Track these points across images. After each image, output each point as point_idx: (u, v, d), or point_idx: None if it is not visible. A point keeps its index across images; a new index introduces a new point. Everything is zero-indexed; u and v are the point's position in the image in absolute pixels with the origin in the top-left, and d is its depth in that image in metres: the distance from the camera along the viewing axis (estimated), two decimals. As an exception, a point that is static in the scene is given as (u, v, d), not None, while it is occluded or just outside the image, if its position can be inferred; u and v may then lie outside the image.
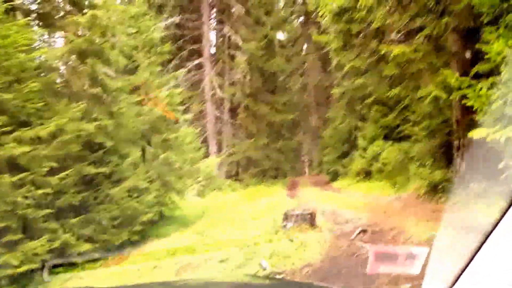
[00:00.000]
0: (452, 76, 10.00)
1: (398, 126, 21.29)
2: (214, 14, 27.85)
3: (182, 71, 24.57)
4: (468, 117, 11.94)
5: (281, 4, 42.09)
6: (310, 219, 9.49)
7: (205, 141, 25.63)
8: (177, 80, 16.68)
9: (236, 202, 16.50)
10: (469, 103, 10.85)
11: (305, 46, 42.16)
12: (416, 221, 9.59)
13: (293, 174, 36.81)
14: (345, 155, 24.87)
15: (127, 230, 10.74)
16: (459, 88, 11.65)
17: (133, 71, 13.94)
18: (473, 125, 12.58)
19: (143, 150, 12.91)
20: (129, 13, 14.28)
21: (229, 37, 25.62)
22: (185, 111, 25.34)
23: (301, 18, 41.67)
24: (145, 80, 13.53)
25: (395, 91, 9.99)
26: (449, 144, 13.92)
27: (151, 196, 11.67)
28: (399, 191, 15.11)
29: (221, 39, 27.47)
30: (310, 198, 17.38)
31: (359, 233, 8.97)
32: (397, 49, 8.85)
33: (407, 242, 8.07)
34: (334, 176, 25.46)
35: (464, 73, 12.06)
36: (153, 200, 11.78)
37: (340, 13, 11.05)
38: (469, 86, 9.25)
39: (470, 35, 12.20)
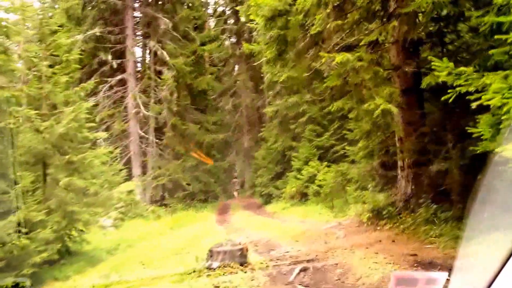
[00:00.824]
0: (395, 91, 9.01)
1: (333, 146, 20.43)
2: (140, 28, 25.93)
3: (101, 85, 22.38)
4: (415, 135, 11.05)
5: (212, 22, 41.13)
6: (240, 256, 7.85)
7: (128, 162, 23.42)
8: (87, 92, 14.55)
9: (158, 232, 14.55)
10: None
11: (237, 67, 41.01)
12: (363, 254, 8.26)
13: (225, 197, 35.28)
14: (279, 176, 23.62)
15: (13, 275, 8.55)
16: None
17: (35, 81, 11.80)
18: (419, 143, 11.76)
19: (43, 175, 10.73)
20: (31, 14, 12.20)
21: (155, 52, 23.75)
22: (106, 130, 23.20)
23: (233, 39, 40.43)
24: (47, 93, 11.41)
25: (338, 103, 8.71)
26: (393, 164, 12.98)
27: (48, 230, 9.52)
28: (338, 216, 13.92)
29: (147, 54, 25.56)
30: (241, 225, 15.78)
31: (299, 272, 7.47)
32: (339, 57, 7.62)
33: (357, 284, 6.67)
34: (268, 199, 24.08)
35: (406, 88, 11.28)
36: (51, 235, 9.62)
37: (273, 17, 9.75)
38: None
39: (413, 48, 11.41)
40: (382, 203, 11.74)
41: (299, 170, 20.12)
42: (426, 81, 8.40)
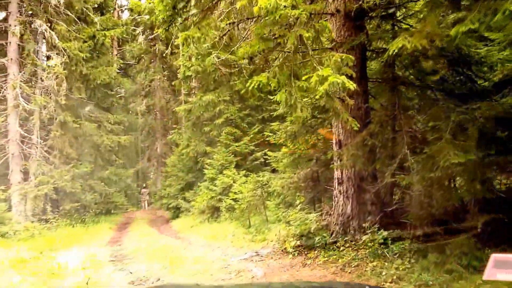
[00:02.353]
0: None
1: (253, 152, 17.60)
2: (26, 4, 21.46)
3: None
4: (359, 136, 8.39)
5: (125, 13, 36.98)
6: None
7: (6, 167, 18.96)
8: None
9: (13, 262, 10.62)
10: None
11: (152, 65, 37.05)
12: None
13: (135, 208, 31.46)
14: (190, 186, 20.31)
15: None
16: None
17: None
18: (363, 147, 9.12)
19: None
20: None
21: (43, 33, 19.54)
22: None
23: (149, 35, 36.37)
24: None
25: (260, 78, 5.67)
26: (326, 175, 10.25)
27: None
28: (256, 240, 10.92)
29: (33, 35, 21.18)
30: (134, 249, 12.30)
31: None
32: (264, 1, 4.69)
33: None
34: (175, 213, 20.68)
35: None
36: None
37: None
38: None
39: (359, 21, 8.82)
40: (312, 226, 8.92)
41: (212, 180, 17.00)
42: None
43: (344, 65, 5.61)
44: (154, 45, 35.31)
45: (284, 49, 5.62)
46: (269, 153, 13.14)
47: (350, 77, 5.56)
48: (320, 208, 9.95)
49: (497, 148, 6.44)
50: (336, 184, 8.90)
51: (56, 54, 18.80)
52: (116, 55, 32.36)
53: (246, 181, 14.11)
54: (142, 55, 36.17)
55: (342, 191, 8.71)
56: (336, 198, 8.93)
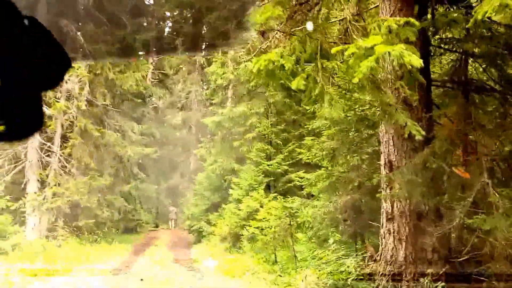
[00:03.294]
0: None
1: (286, 172, 15.47)
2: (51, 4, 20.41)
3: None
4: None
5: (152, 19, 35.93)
6: None
7: (23, 175, 17.65)
8: None
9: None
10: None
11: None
12: None
13: (165, 226, 29.98)
14: (215, 208, 18.27)
15: None
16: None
17: None
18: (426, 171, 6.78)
19: None
20: None
21: (68, 33, 18.36)
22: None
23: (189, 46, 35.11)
24: None
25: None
26: (372, 206, 7.95)
27: None
28: (280, 284, 8.69)
29: (60, 36, 20.06)
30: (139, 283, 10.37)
31: None
32: None
33: None
34: (198, 237, 18.66)
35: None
36: None
37: None
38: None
39: None
40: (350, 275, 6.64)
41: (238, 202, 14.92)
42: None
43: (402, 39, 3.45)
44: (194, 55, 34.09)
45: (310, 13, 3.56)
46: (302, 174, 10.96)
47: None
48: (362, 250, 7.63)
49: None
50: (385, 219, 6.62)
51: (82, 56, 17.48)
52: (152, 63, 31.16)
53: (274, 207, 11.92)
54: (181, 66, 34.98)
55: (392, 231, 6.42)
56: (384, 239, 6.64)
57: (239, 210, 13.88)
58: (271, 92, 16.86)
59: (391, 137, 6.33)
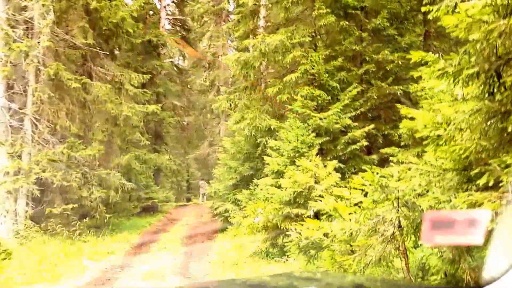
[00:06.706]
0: None
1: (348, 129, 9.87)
2: None
3: None
4: None
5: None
6: None
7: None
8: None
9: None
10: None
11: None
12: None
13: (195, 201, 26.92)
14: (247, 183, 12.83)
15: None
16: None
17: None
18: None
19: None
20: None
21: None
22: None
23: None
24: None
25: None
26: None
27: None
28: None
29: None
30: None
31: None
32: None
33: None
34: (224, 224, 13.40)
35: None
36: None
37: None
38: None
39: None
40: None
41: (278, 175, 9.43)
42: None
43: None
44: (219, 3, 28.33)
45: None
46: (405, 122, 5.35)
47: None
48: None
49: None
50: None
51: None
52: (165, 6, 25.69)
53: (342, 184, 6.30)
54: (204, 16, 29.32)
55: None
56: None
57: (279, 188, 8.39)
58: (320, 10, 11.15)
59: None
